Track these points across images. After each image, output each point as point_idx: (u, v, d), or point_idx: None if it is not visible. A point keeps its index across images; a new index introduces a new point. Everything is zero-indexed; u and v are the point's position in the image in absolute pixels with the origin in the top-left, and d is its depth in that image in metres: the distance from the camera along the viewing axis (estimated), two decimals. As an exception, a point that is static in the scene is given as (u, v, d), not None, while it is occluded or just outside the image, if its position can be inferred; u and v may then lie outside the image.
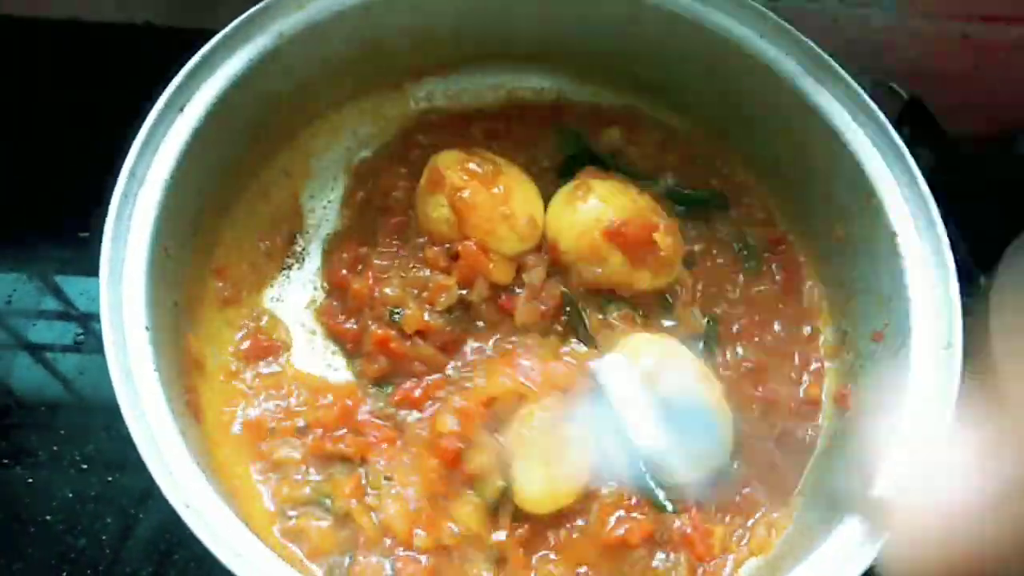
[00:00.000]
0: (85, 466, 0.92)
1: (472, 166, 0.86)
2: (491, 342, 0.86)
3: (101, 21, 1.11)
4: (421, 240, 0.88)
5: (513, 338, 0.86)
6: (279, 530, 0.76)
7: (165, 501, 0.63)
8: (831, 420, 0.86)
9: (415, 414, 0.82)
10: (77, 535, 0.89)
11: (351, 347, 0.86)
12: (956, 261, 0.78)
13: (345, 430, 0.80)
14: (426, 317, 0.84)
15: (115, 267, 0.70)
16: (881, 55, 1.11)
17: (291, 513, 0.77)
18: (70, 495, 0.91)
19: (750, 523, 0.80)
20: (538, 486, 0.76)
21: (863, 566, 0.66)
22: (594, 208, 0.86)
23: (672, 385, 0.79)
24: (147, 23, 1.12)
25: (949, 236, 0.79)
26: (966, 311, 0.76)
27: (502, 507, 0.77)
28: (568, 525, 0.77)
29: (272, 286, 0.90)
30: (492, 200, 0.85)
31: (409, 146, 0.95)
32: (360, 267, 0.88)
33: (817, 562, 0.69)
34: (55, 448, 0.93)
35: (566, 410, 0.78)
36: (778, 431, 0.84)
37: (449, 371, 0.85)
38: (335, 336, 0.87)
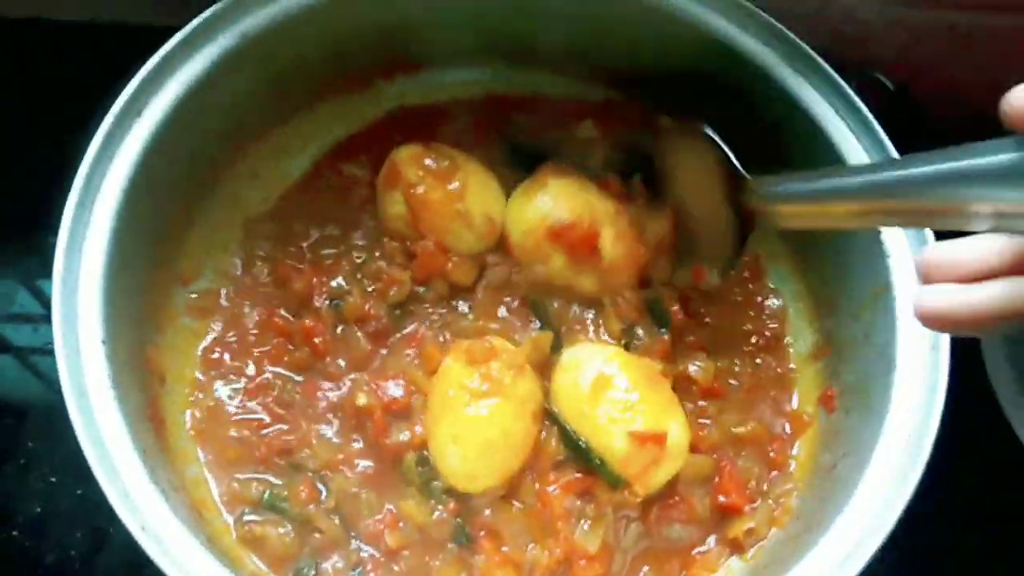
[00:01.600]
0: (54, 478, 0.90)
1: (428, 162, 0.84)
2: (429, 326, 0.85)
3: (65, 20, 1.08)
4: (379, 233, 0.87)
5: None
6: (237, 537, 0.75)
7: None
8: (817, 424, 0.84)
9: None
10: (45, 550, 0.87)
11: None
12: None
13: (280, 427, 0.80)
14: (368, 307, 0.83)
15: (69, 278, 0.67)
16: (867, 46, 1.09)
17: (248, 519, 0.76)
18: (38, 509, 0.89)
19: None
20: (453, 463, 0.74)
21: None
22: (543, 205, 0.83)
23: (617, 395, 0.75)
24: (113, 22, 1.10)
25: (936, 232, 0.76)
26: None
27: (430, 486, 0.76)
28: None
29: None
30: (447, 197, 0.83)
31: (372, 142, 0.93)
32: (304, 261, 0.87)
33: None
34: (23, 460, 0.91)
35: (489, 386, 0.75)
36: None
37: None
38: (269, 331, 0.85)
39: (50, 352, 0.95)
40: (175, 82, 0.75)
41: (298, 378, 0.83)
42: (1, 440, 0.92)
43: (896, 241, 0.76)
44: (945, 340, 0.72)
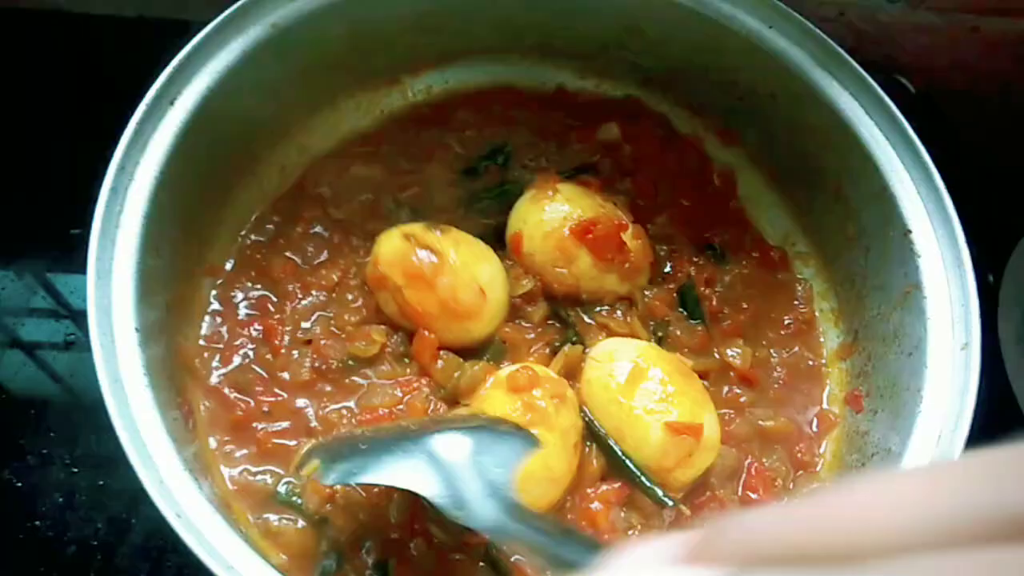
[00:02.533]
0: (75, 469, 0.90)
1: (413, 260, 0.79)
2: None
3: (90, 13, 1.08)
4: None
5: None
6: (259, 531, 0.74)
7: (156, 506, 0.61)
8: (844, 424, 0.83)
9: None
10: (67, 541, 0.87)
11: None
12: (968, 258, 0.75)
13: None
14: (323, 343, 0.81)
15: (103, 265, 0.67)
16: (889, 49, 1.09)
17: (266, 515, 0.75)
18: (60, 499, 0.89)
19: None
20: None
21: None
22: (562, 207, 0.83)
23: (652, 386, 0.75)
24: (139, 16, 1.10)
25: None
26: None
27: None
28: None
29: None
30: (435, 297, 0.79)
31: (394, 136, 0.94)
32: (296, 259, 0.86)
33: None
34: (44, 451, 0.91)
35: (532, 416, 0.73)
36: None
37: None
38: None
39: (68, 346, 0.97)
40: (207, 72, 0.76)
41: (259, 372, 0.81)
42: (23, 433, 0.92)
43: (928, 241, 0.76)
44: (976, 338, 0.72)
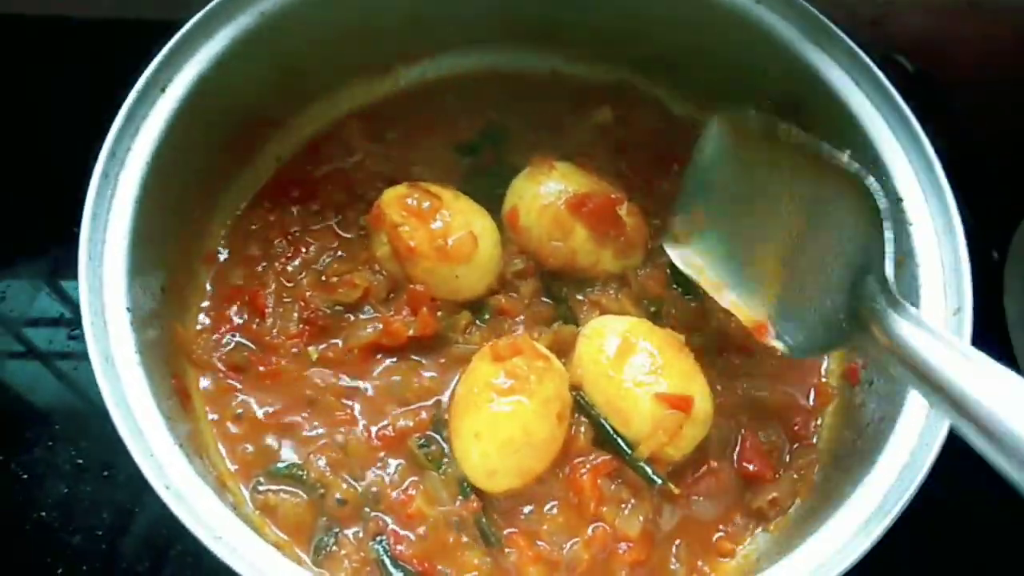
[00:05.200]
0: (81, 461, 0.91)
1: (411, 202, 0.82)
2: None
3: (92, 18, 1.10)
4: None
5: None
6: (254, 506, 0.75)
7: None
8: (841, 398, 0.83)
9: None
10: (72, 532, 0.88)
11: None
12: (967, 236, 0.74)
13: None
14: (309, 295, 0.83)
15: (95, 248, 0.68)
16: (885, 27, 1.08)
17: (263, 488, 0.76)
18: (65, 491, 0.90)
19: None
20: (475, 459, 0.73)
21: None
22: (558, 184, 0.84)
23: (641, 359, 0.76)
24: (138, 18, 1.12)
25: (960, 212, 0.75)
26: (979, 287, 0.73)
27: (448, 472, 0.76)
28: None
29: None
30: (430, 235, 0.81)
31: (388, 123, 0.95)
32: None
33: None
34: (50, 444, 0.92)
35: (513, 383, 0.74)
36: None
37: None
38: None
39: (73, 338, 0.98)
40: (197, 60, 0.77)
41: (252, 346, 0.82)
42: (28, 423, 0.93)
43: (919, 209, 0.76)
44: (968, 303, 0.71)
